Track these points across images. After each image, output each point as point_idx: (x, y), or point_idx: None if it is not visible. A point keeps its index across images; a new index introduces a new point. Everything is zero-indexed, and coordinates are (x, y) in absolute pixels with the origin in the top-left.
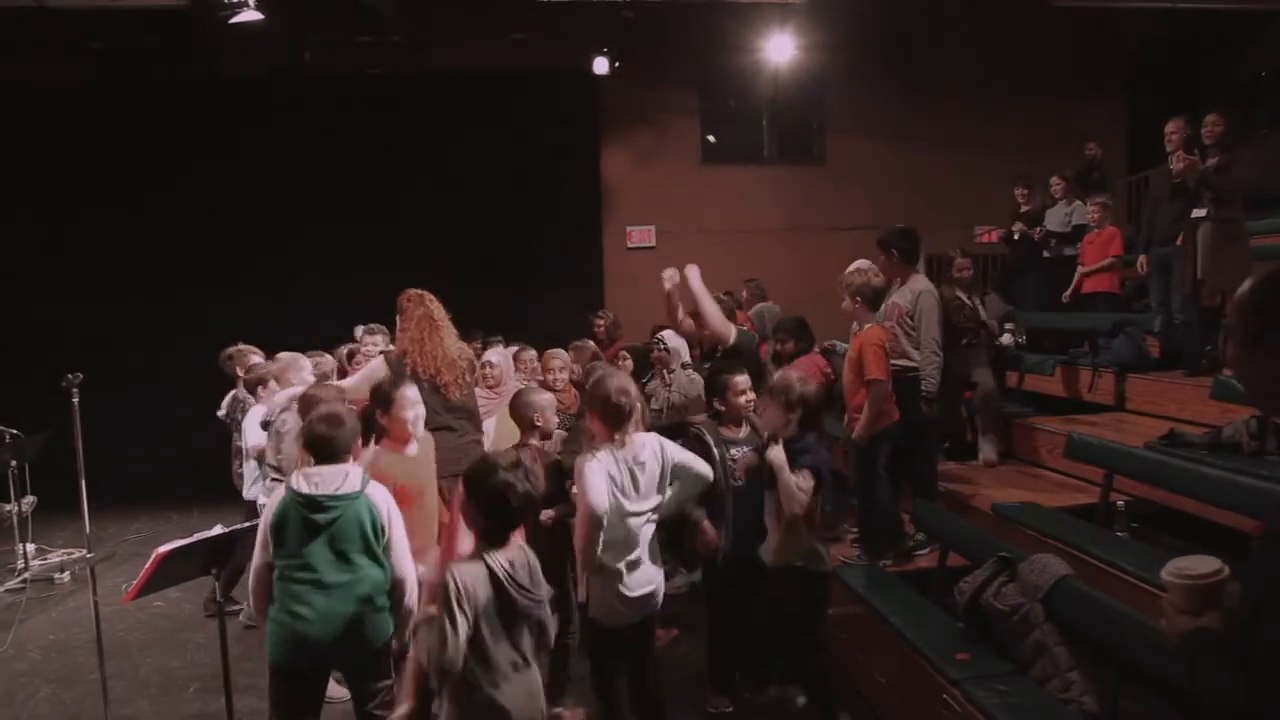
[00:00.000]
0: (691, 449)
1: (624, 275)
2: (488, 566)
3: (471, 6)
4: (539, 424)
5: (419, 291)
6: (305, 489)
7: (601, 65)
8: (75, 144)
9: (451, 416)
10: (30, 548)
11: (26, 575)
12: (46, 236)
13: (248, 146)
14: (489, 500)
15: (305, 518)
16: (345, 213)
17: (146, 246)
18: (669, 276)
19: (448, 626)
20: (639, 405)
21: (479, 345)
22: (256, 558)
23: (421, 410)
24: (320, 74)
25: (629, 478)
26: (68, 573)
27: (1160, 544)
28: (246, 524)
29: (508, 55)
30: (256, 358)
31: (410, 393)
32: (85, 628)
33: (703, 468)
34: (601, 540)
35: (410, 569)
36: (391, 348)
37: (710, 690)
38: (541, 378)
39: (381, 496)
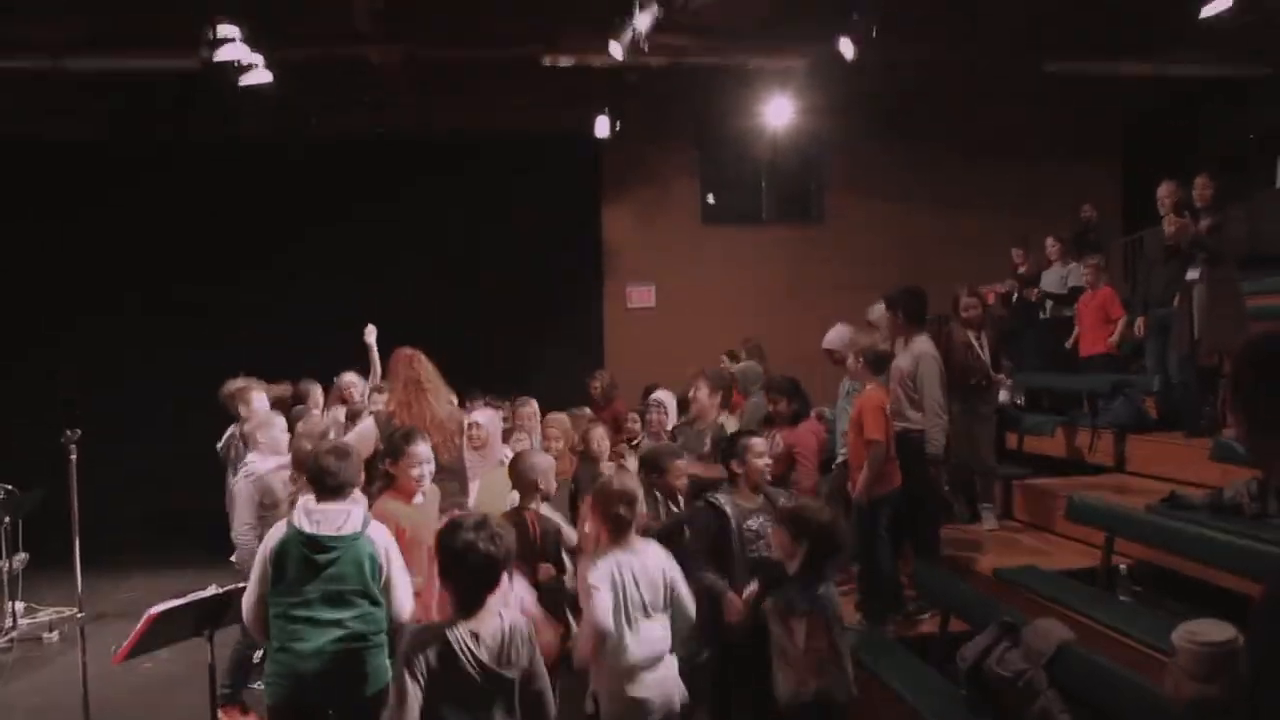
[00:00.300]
0: (705, 518)
1: (624, 335)
2: (446, 637)
3: (475, 71)
4: (541, 487)
5: (409, 352)
6: (308, 528)
7: (603, 127)
8: (82, 201)
9: (438, 478)
10: (19, 606)
11: (14, 634)
12: (47, 287)
13: (253, 206)
14: (452, 561)
15: (306, 556)
16: (349, 272)
17: (148, 300)
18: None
19: (395, 695)
20: (640, 512)
21: (481, 404)
22: (252, 591)
23: (430, 467)
24: (325, 137)
25: (633, 581)
26: (56, 632)
27: (1163, 608)
28: (239, 585)
29: (509, 117)
30: (259, 394)
31: (422, 450)
32: (73, 690)
33: (689, 608)
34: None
35: (409, 609)
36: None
37: None
38: (543, 439)
39: (381, 536)
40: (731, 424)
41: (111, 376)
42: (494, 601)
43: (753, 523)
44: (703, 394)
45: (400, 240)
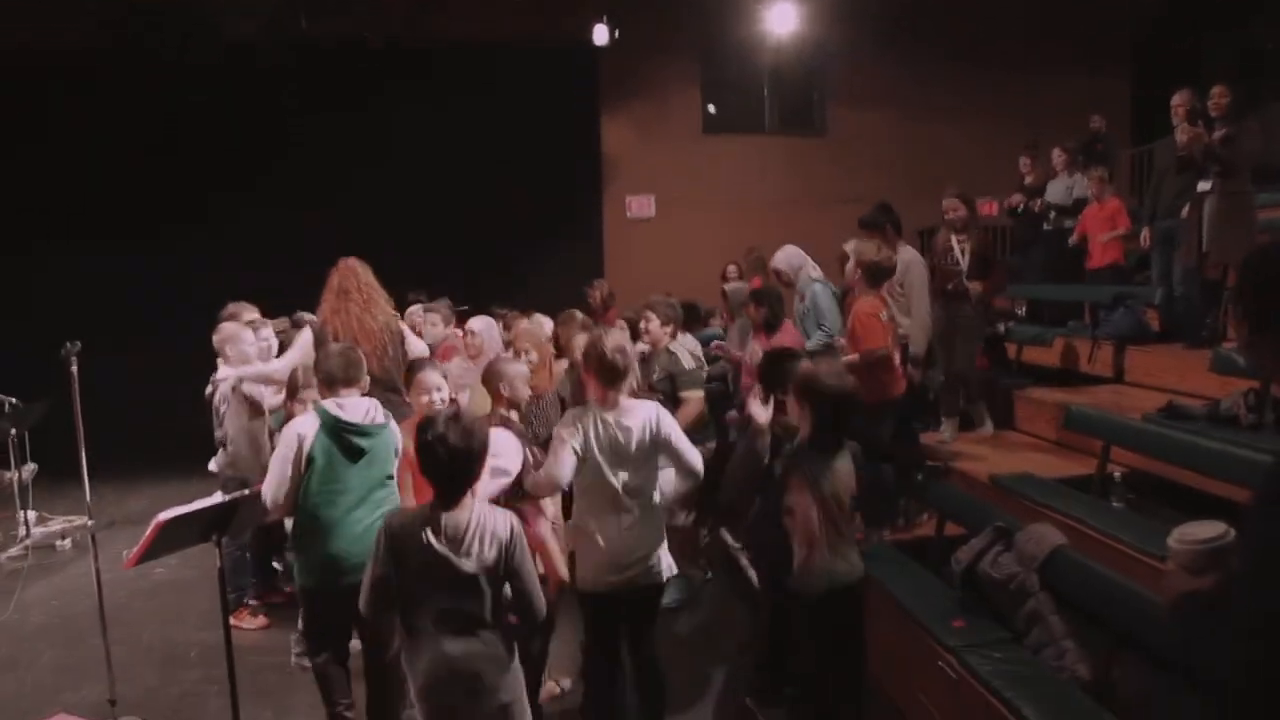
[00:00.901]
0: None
1: (623, 246)
2: (416, 524)
3: None
4: (505, 394)
5: (344, 262)
6: (346, 416)
7: (601, 35)
8: (79, 112)
9: (372, 390)
10: (31, 515)
11: (28, 542)
12: (47, 200)
13: (243, 115)
14: (425, 454)
15: (349, 443)
16: (344, 183)
17: (146, 210)
18: None
19: (366, 575)
20: (634, 369)
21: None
22: (281, 479)
23: (441, 393)
24: (318, 43)
25: (612, 440)
26: (69, 540)
27: (1157, 515)
28: (246, 491)
29: (508, 25)
30: (251, 314)
31: (431, 377)
32: (87, 594)
33: (693, 461)
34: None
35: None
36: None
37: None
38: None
39: (397, 431)
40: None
41: (111, 288)
42: (469, 497)
43: None
44: (654, 325)
45: (397, 151)
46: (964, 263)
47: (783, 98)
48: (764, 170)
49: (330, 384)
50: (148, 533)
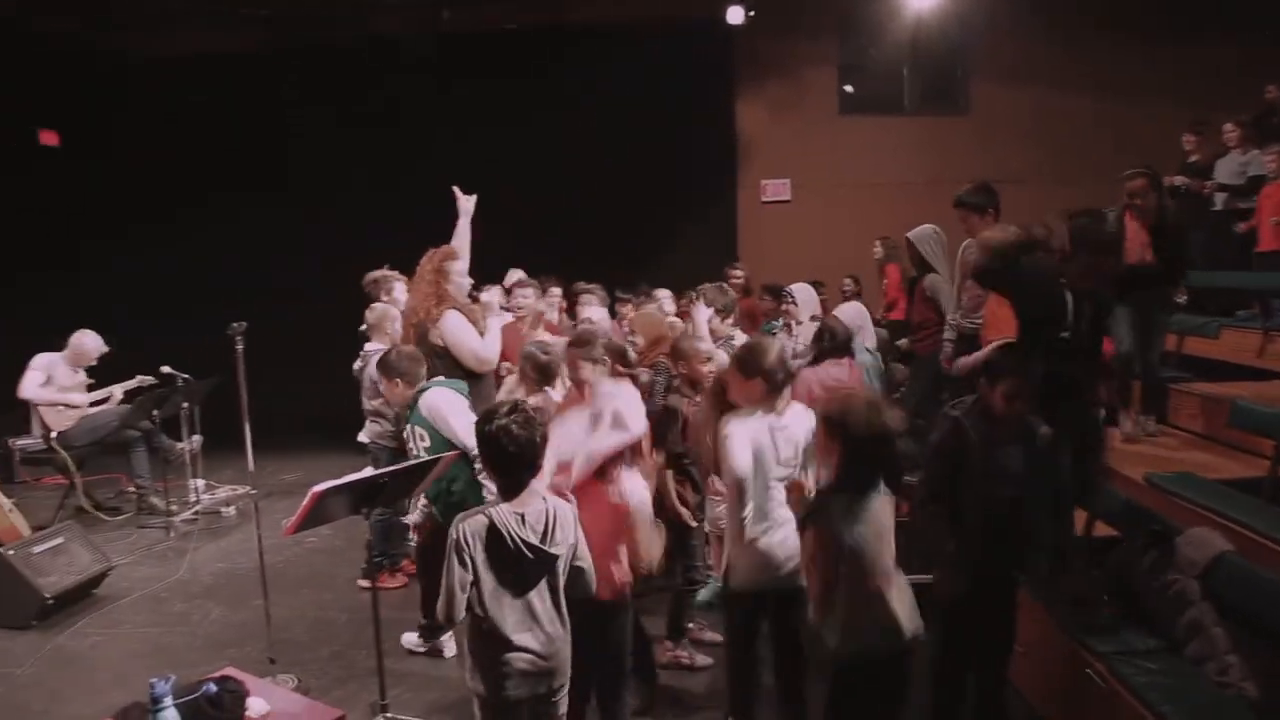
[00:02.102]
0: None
1: (757, 229)
2: (490, 519)
3: None
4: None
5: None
6: None
7: (736, 15)
8: (237, 112)
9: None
10: (200, 483)
11: (198, 508)
12: (221, 198)
13: (390, 106)
14: (488, 447)
15: None
16: (481, 165)
17: (293, 192)
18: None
19: (446, 577)
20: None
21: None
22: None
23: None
24: (456, 32)
25: (777, 442)
26: (233, 507)
27: None
28: (396, 467)
29: (641, 7)
30: (400, 285)
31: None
32: (249, 558)
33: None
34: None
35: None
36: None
37: None
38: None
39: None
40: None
41: (267, 269)
42: (537, 484)
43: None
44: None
45: (533, 133)
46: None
47: (923, 75)
48: (902, 151)
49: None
50: (305, 503)
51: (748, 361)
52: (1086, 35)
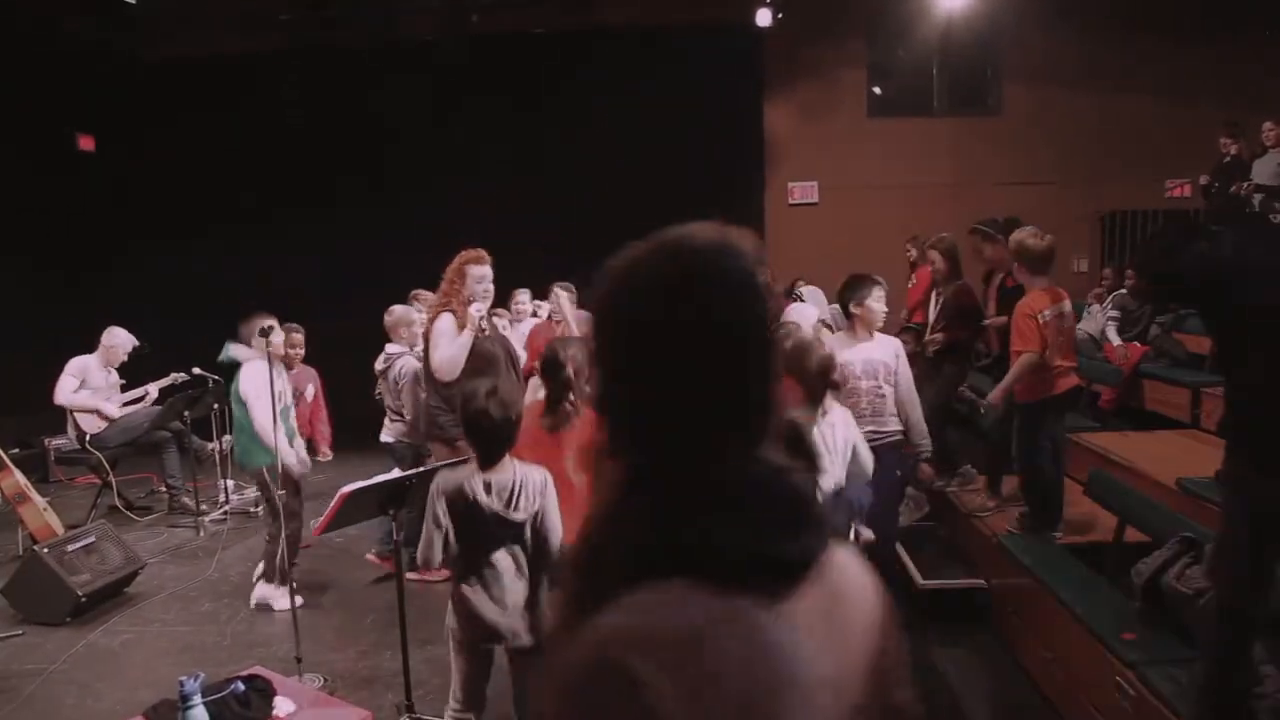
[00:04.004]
0: None
1: (785, 232)
2: (461, 480)
3: None
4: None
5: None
6: None
7: (764, 17)
8: (270, 115)
9: None
10: (230, 483)
11: (227, 508)
12: (254, 200)
13: (420, 110)
14: (468, 424)
15: None
16: (502, 171)
17: (323, 199)
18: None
19: (426, 523)
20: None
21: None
22: None
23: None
24: (484, 34)
25: (824, 443)
26: (262, 507)
27: None
28: (421, 469)
29: (670, 10)
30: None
31: None
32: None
33: (867, 465)
34: None
35: None
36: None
37: None
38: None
39: None
40: None
41: (297, 273)
42: (509, 458)
43: None
44: None
45: (560, 136)
46: None
47: (953, 77)
48: (931, 153)
49: None
50: (333, 504)
51: (790, 360)
52: (1118, 35)
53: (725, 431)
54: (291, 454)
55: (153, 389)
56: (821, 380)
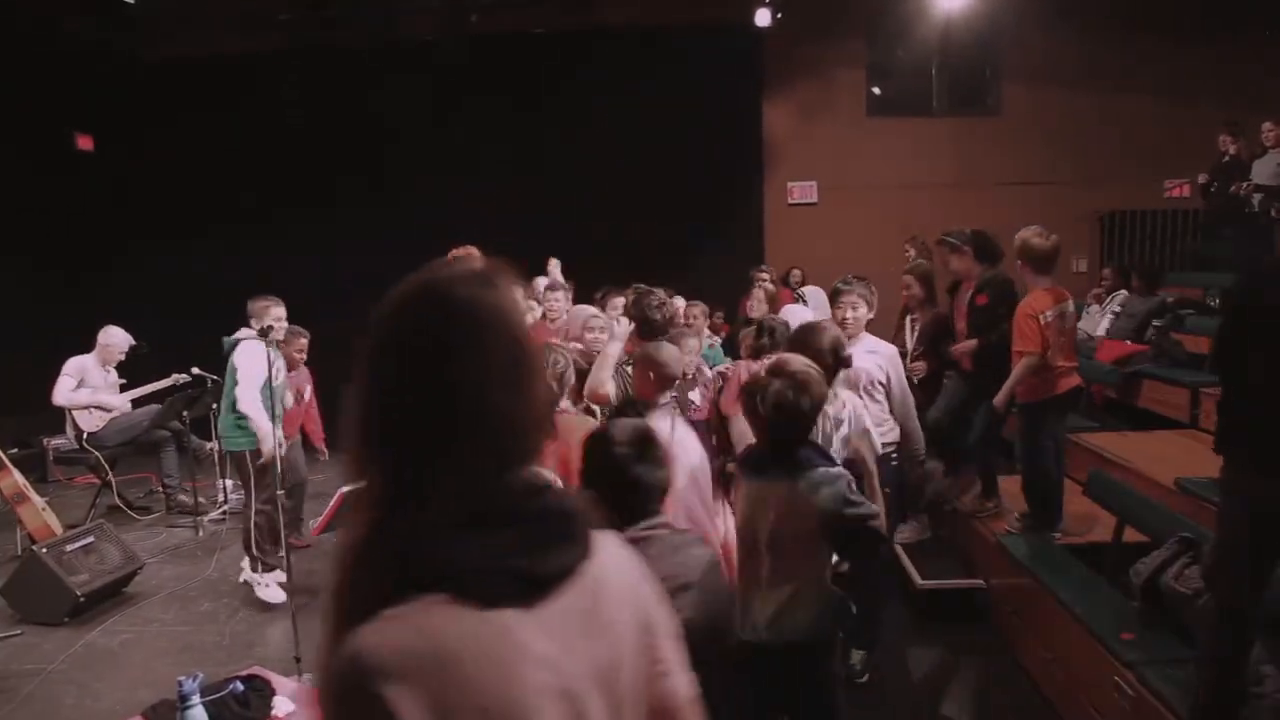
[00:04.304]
0: None
1: (784, 232)
2: None
3: None
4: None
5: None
6: None
7: (764, 17)
8: (268, 115)
9: None
10: (229, 484)
11: (226, 508)
12: (253, 200)
13: (418, 109)
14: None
15: None
16: (502, 170)
17: (319, 200)
18: None
19: None
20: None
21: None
22: None
23: None
24: (483, 35)
25: (821, 434)
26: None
27: None
28: None
29: (669, 9)
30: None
31: None
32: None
33: (877, 444)
34: None
35: None
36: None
37: None
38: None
39: None
40: None
41: (300, 269)
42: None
43: None
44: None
45: (560, 136)
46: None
47: (952, 77)
48: (931, 153)
49: None
50: (332, 503)
51: (800, 341)
52: (1118, 35)
53: (476, 455)
54: (270, 436)
55: (148, 390)
56: (834, 358)
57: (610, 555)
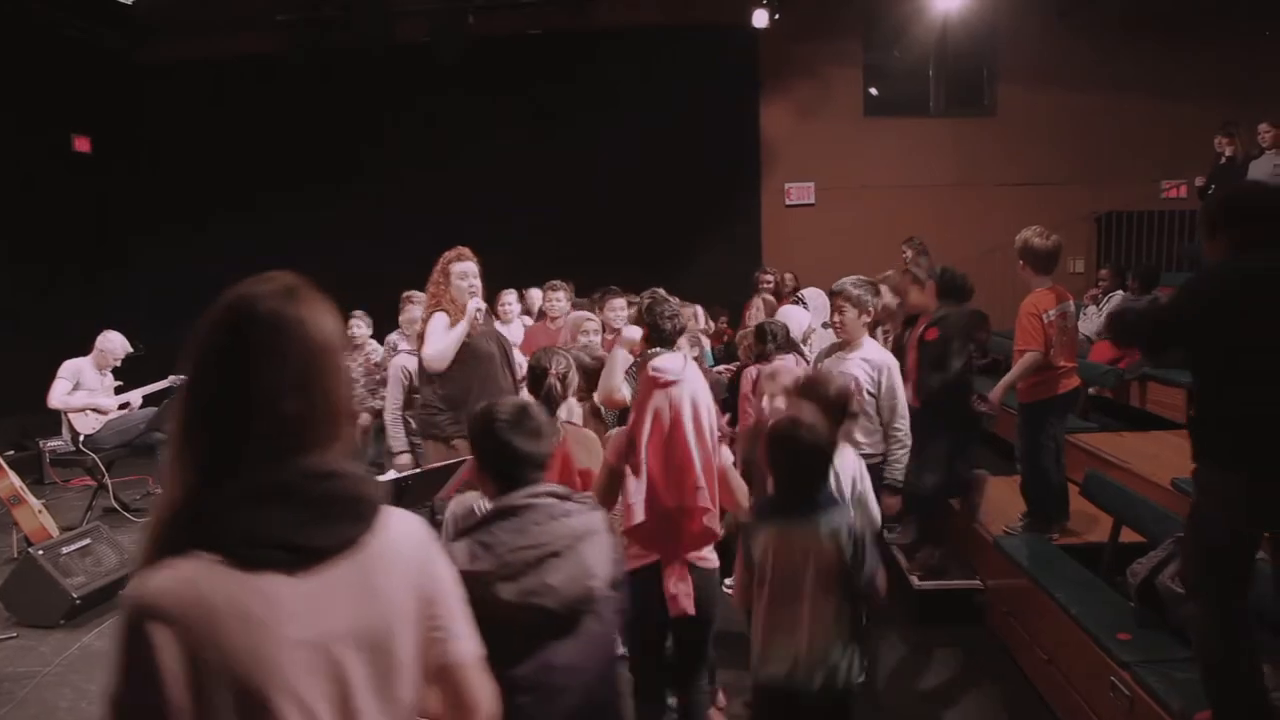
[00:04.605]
0: None
1: (782, 233)
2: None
3: None
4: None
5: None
6: None
7: (761, 18)
8: (264, 117)
9: None
10: None
11: None
12: (247, 201)
13: (415, 111)
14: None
15: None
16: (502, 171)
17: (327, 209)
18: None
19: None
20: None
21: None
22: None
23: None
24: (481, 36)
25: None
26: None
27: None
28: (419, 469)
29: (667, 10)
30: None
31: None
32: None
33: (875, 514)
34: None
35: None
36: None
37: None
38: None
39: None
40: None
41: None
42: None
43: None
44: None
45: (557, 137)
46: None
47: (949, 77)
48: (928, 154)
49: None
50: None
51: (808, 390)
52: (1114, 36)
53: (267, 443)
54: None
55: (137, 396)
56: (839, 409)
57: (398, 532)
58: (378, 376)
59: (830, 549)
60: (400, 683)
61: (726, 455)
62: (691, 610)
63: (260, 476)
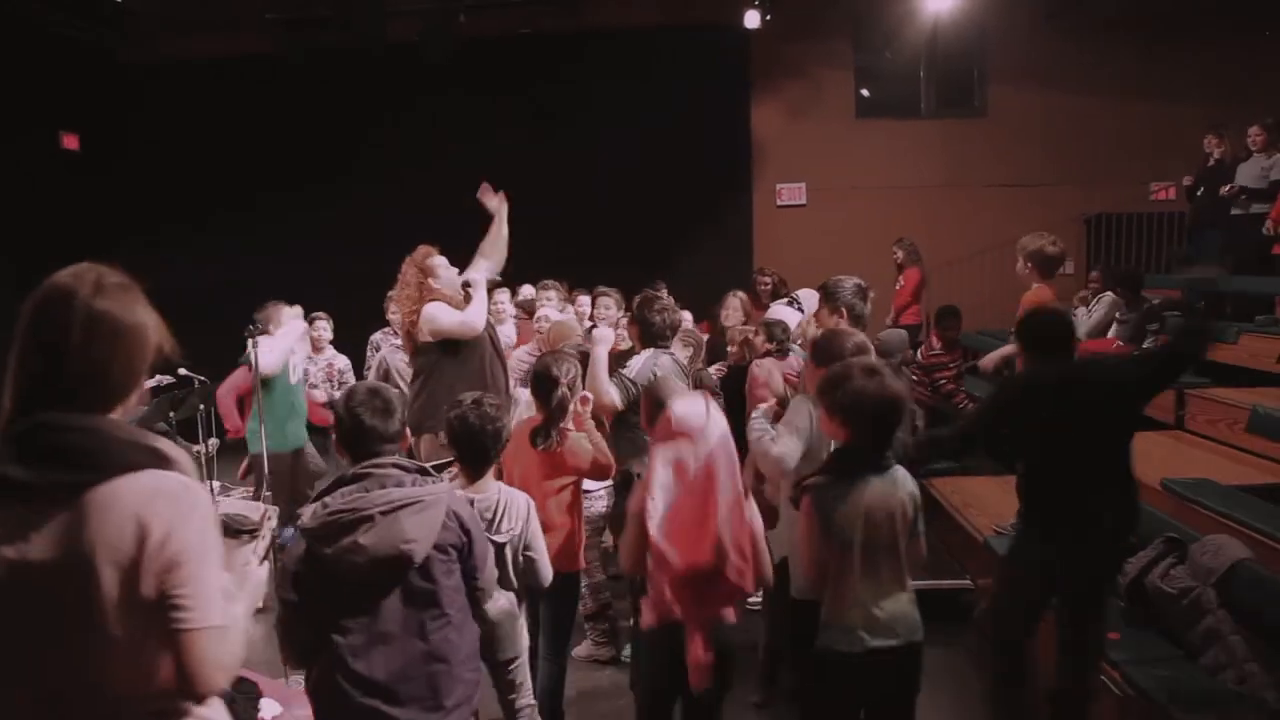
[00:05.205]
0: None
1: (773, 234)
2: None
3: None
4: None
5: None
6: None
7: (752, 19)
8: (256, 116)
9: None
10: (216, 485)
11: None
12: (239, 201)
13: (405, 110)
14: (449, 434)
15: None
16: (491, 170)
17: (320, 208)
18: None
19: None
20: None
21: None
22: None
23: None
24: (472, 36)
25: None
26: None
27: None
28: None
29: (658, 11)
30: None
31: None
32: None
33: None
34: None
35: None
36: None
37: None
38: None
39: None
40: None
41: (284, 271)
42: (491, 477)
43: None
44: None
45: (548, 137)
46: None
47: (940, 78)
48: (919, 155)
49: None
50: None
51: (824, 350)
52: (1104, 38)
53: (33, 398)
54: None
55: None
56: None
57: (131, 489)
58: (337, 380)
59: (908, 504)
60: (93, 622)
61: (755, 515)
62: (709, 684)
63: (16, 425)
